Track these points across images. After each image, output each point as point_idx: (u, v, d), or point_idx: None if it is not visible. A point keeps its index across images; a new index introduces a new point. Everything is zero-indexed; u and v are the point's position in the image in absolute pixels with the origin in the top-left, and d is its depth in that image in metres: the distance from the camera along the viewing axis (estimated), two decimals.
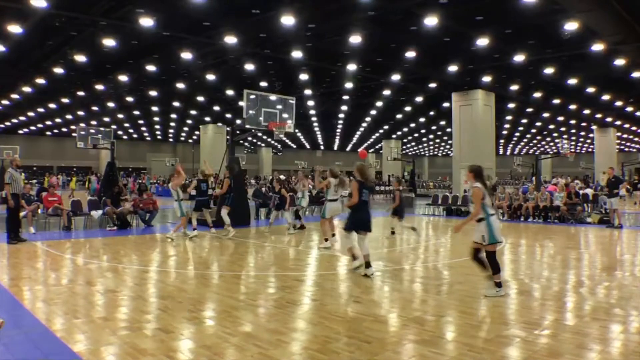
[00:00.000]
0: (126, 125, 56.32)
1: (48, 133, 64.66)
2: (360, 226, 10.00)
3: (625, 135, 59.57)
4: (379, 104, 38.53)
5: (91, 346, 5.81)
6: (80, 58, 23.31)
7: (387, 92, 33.42)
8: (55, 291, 8.54)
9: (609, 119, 45.23)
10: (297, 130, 54.66)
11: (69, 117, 47.24)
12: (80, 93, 34.02)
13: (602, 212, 21.53)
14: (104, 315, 7.08)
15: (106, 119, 48.36)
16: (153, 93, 33.97)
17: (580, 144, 73.82)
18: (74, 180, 45.49)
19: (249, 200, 22.61)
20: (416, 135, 64.65)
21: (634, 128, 51.45)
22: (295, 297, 8.20)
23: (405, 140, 69.78)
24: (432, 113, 43.79)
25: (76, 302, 7.80)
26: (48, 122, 53.20)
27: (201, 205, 16.40)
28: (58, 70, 26.15)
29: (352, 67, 25.80)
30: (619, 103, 36.59)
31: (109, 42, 20.51)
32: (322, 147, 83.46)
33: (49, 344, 5.91)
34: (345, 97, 36.28)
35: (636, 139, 62.41)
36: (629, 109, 39.09)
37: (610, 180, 19.44)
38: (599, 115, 43.05)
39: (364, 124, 52.68)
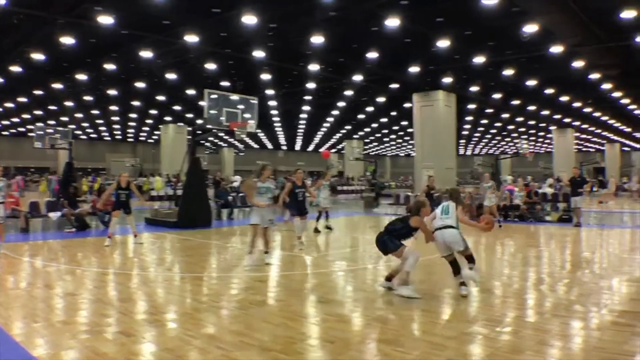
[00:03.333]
0: (85, 124, 55.41)
1: (5, 133, 63.26)
2: None
3: (583, 136, 60.71)
4: (341, 104, 38.62)
5: (51, 350, 5.69)
6: (38, 56, 22.86)
7: (349, 93, 33.51)
8: (13, 295, 8.35)
9: (567, 120, 46.05)
10: (259, 131, 54.40)
11: (26, 116, 46.24)
12: (38, 92, 33.35)
13: (565, 210, 21.96)
14: (63, 319, 6.94)
15: (64, 119, 47.47)
16: (112, 92, 33.45)
17: (539, 144, 74.99)
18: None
19: (211, 201, 22.43)
20: (378, 135, 64.92)
21: (592, 128, 52.47)
22: (258, 298, 8.15)
23: (367, 141, 70.06)
24: (393, 113, 44.03)
25: (35, 306, 7.63)
26: (5, 122, 52.03)
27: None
28: (15, 68, 25.59)
29: (314, 67, 25.79)
30: (577, 104, 37.26)
31: (67, 40, 20.14)
32: (284, 148, 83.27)
33: (7, 349, 5.76)
34: (308, 97, 36.25)
35: (594, 139, 63.67)
36: (587, 109, 39.85)
37: (575, 180, 19.77)
38: (557, 116, 43.82)
39: (326, 124, 52.75)
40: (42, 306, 7.66)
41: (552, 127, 51.00)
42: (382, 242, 8.37)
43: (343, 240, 15.94)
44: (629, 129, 52.36)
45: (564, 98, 34.58)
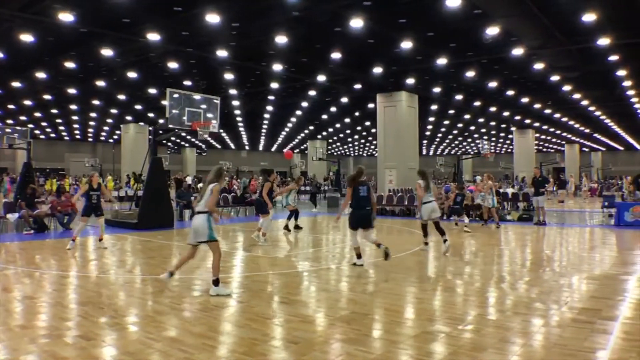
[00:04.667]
0: (44, 124, 54.39)
1: None
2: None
3: (543, 137, 61.74)
4: (305, 104, 38.62)
5: (9, 355, 5.56)
6: None
7: (312, 93, 33.51)
8: None
9: (528, 121, 46.74)
10: (221, 130, 54.12)
11: None
12: None
13: (525, 209, 22.27)
14: (22, 323, 6.80)
15: (23, 118, 46.59)
16: (72, 91, 32.89)
17: (500, 145, 76.08)
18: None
19: (172, 201, 22.22)
20: (341, 135, 65.10)
21: (552, 129, 53.35)
22: (220, 300, 8.08)
23: (330, 141, 70.21)
24: (357, 114, 44.18)
25: None
26: None
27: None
28: None
29: (277, 67, 25.73)
30: (537, 105, 37.85)
31: (25, 38, 19.76)
32: (247, 147, 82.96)
33: None
34: (271, 97, 36.15)
35: (554, 140, 64.78)
36: (547, 111, 40.50)
37: (536, 180, 20.09)
38: (518, 117, 44.47)
39: (290, 124, 52.69)
40: None
41: (513, 128, 51.73)
42: None
43: (306, 240, 15.93)
44: (588, 130, 53.35)
45: (525, 99, 35.12)
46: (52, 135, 65.99)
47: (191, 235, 8.66)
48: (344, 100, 36.04)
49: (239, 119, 48.31)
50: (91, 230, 17.87)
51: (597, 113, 41.34)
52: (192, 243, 8.67)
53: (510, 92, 32.28)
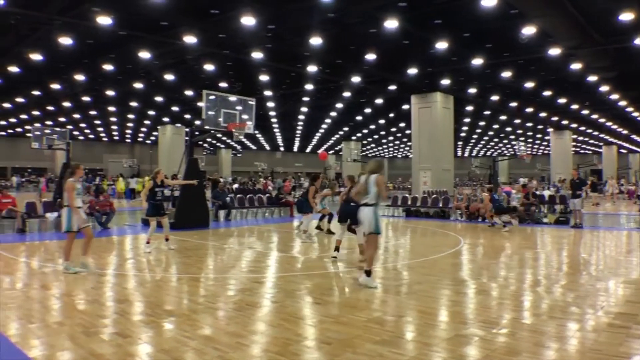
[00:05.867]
0: (82, 125, 55.40)
1: (2, 133, 63.19)
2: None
3: (580, 138, 60.83)
4: (339, 105, 38.66)
5: (47, 351, 5.67)
6: (36, 57, 22.86)
7: (347, 94, 33.55)
8: (9, 295, 8.32)
9: (565, 122, 46.13)
10: (256, 132, 54.48)
11: (23, 116, 46.26)
12: (36, 92, 33.34)
13: (562, 212, 21.96)
14: (59, 320, 6.93)
15: (62, 119, 47.50)
16: (110, 93, 33.48)
17: (536, 146, 75.14)
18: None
19: (208, 201, 22.43)
20: (376, 136, 64.99)
21: (589, 130, 52.55)
22: (255, 300, 8.14)
23: (365, 142, 70.12)
24: (391, 115, 44.10)
25: (31, 307, 7.61)
26: (2, 122, 52.01)
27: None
28: (13, 69, 25.61)
29: (312, 68, 25.81)
30: (575, 106, 37.34)
31: (64, 41, 20.16)
32: (282, 149, 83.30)
33: (3, 349, 5.75)
34: (305, 99, 36.29)
35: (591, 141, 63.76)
36: (585, 112, 39.93)
37: (574, 182, 19.82)
38: (555, 118, 43.90)
39: (324, 126, 52.80)
40: (38, 307, 7.64)
41: (550, 129, 51.08)
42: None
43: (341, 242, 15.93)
44: (626, 132, 52.43)
45: (562, 100, 34.68)
46: (91, 136, 67.15)
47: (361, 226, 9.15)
48: (379, 101, 36.00)
49: (273, 120, 48.56)
50: (128, 229, 18.19)
51: (635, 114, 40.61)
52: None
53: (547, 93, 31.90)
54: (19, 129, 57.41)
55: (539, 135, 60.91)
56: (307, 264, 11.78)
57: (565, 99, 34.54)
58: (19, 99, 36.49)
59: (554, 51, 21.33)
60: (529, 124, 49.94)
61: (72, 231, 10.14)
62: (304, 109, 41.73)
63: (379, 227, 8.84)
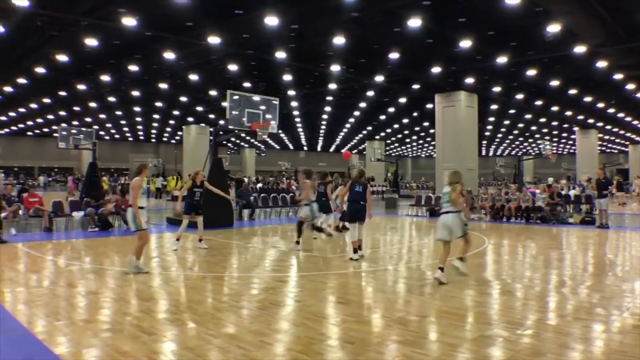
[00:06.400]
0: (108, 125, 55.92)
1: (29, 133, 64.03)
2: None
3: (606, 137, 60.09)
4: (363, 104, 38.60)
5: (73, 348, 5.75)
6: (62, 57, 23.13)
7: (370, 93, 33.47)
8: (36, 293, 8.45)
9: (590, 121, 45.57)
10: (280, 131, 54.57)
11: (50, 117, 46.82)
12: (62, 93, 33.74)
13: (587, 211, 21.73)
14: (85, 318, 7.02)
15: (88, 119, 48.00)
16: (135, 93, 33.77)
17: (562, 145, 74.35)
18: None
19: (232, 201, 22.53)
20: (399, 136, 64.76)
21: (615, 130, 51.90)
22: (278, 298, 8.18)
23: (388, 141, 69.92)
24: (415, 114, 43.93)
25: (58, 304, 7.72)
26: (29, 122, 52.68)
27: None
28: (39, 69, 25.93)
29: (335, 68, 25.80)
30: (600, 105, 36.89)
31: (90, 42, 20.38)
32: (305, 148, 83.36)
33: (30, 346, 5.85)
34: (329, 98, 36.26)
35: (617, 140, 62.94)
36: (611, 110, 39.43)
37: (600, 181, 19.60)
38: (581, 117, 43.39)
39: (348, 125, 52.74)
40: (64, 305, 7.75)
41: (576, 128, 50.50)
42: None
43: (363, 241, 15.91)
44: None
45: (588, 99, 34.25)
46: (116, 136, 67.76)
47: (443, 232, 9.46)
48: (402, 100, 35.86)
49: (297, 119, 48.62)
50: (154, 228, 18.34)
51: None
52: (446, 239, 9.43)
53: (572, 91, 31.52)
54: (45, 129, 58.12)
55: (564, 134, 60.25)
56: (331, 263, 11.79)
57: (590, 98, 34.10)
58: (46, 100, 36.92)
59: (579, 49, 21.08)
60: (555, 123, 49.41)
61: (142, 229, 9.96)
62: (328, 109, 41.71)
63: (466, 229, 9.49)
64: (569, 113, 41.15)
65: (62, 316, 7.06)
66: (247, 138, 60.20)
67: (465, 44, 20.56)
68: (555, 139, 65.39)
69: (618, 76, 26.53)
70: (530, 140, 69.06)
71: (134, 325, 6.64)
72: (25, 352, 5.70)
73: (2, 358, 5.50)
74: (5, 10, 17.20)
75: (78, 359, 5.46)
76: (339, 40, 20.29)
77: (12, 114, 45.58)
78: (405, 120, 48.49)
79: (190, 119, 47.10)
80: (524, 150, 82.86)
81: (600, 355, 5.66)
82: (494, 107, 38.37)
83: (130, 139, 72.24)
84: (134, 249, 10.10)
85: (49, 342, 5.92)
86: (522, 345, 5.89)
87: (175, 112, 43.97)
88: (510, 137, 65.21)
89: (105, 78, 28.32)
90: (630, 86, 29.15)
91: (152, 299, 8.15)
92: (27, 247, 13.68)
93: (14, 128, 58.51)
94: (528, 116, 45.07)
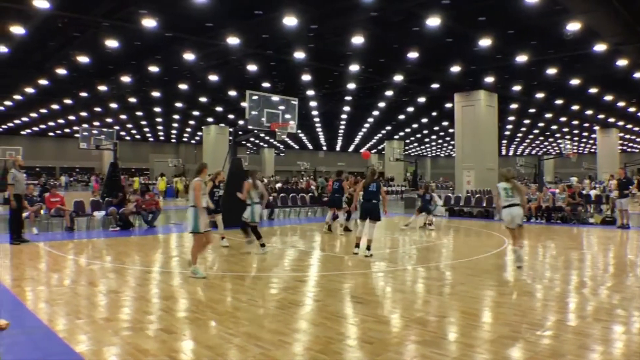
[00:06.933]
0: (129, 126, 56.37)
1: (50, 134, 64.69)
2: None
3: (627, 136, 59.48)
4: (382, 104, 38.56)
5: (93, 347, 5.81)
6: (83, 59, 23.36)
7: (389, 93, 33.42)
8: (57, 292, 8.54)
9: (611, 120, 45.18)
10: (299, 131, 54.63)
11: (71, 117, 47.32)
12: (83, 94, 34.06)
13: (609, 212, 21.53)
14: (106, 316, 7.08)
15: (109, 120, 48.41)
16: (156, 94, 34.03)
17: (582, 145, 73.70)
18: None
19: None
20: (419, 136, 64.58)
21: (636, 129, 51.39)
22: (297, 298, 8.20)
23: (407, 141, 69.76)
24: (434, 114, 43.82)
25: (78, 303, 7.80)
26: (50, 123, 53.23)
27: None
28: (60, 71, 26.22)
29: (354, 67, 25.80)
30: (621, 104, 36.55)
31: (111, 43, 20.57)
32: (324, 148, 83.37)
33: (51, 344, 5.92)
34: (348, 98, 36.29)
35: (639, 139, 62.23)
36: (632, 109, 39.07)
37: (621, 181, 19.41)
38: (601, 116, 43.02)
39: (367, 125, 52.69)
40: (85, 303, 7.82)
41: (596, 127, 50.07)
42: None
43: (383, 241, 15.91)
44: None
45: (608, 97, 33.95)
46: (137, 136, 68.25)
47: (509, 220, 10.73)
48: (421, 100, 35.80)
49: (316, 119, 48.66)
50: (174, 228, 18.49)
51: None
52: (511, 227, 10.79)
53: (592, 90, 31.27)
54: (67, 130, 58.71)
55: (585, 134, 59.74)
56: (349, 263, 11.79)
57: (611, 96, 33.81)
58: (67, 101, 37.31)
59: (600, 47, 20.92)
60: (575, 122, 49.01)
61: (199, 232, 9.74)
62: (347, 108, 41.72)
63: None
64: (589, 112, 40.81)
65: (83, 314, 7.13)
66: (267, 138, 60.34)
67: (485, 42, 20.49)
68: (575, 139, 64.85)
69: (639, 75, 26.26)
70: (551, 139, 68.54)
71: (153, 323, 6.70)
72: (46, 350, 5.76)
73: (23, 356, 5.57)
74: (27, 12, 17.41)
75: (98, 357, 5.51)
76: (357, 39, 20.30)
77: (34, 114, 46.05)
78: (425, 120, 48.38)
79: (210, 119, 47.35)
80: (544, 149, 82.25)
81: (620, 356, 5.61)
82: (514, 106, 38.17)
83: (151, 139, 72.75)
84: (191, 254, 9.94)
85: (69, 340, 5.99)
86: (542, 346, 5.86)
87: (195, 113, 44.24)
88: (531, 136, 64.78)
89: (126, 79, 28.56)
90: None
91: (171, 297, 8.21)
92: (49, 247, 13.83)
93: (35, 129, 59.13)
94: (548, 115, 44.75)
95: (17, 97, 35.72)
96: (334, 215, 17.96)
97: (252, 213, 12.94)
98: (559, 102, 36.33)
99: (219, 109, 40.96)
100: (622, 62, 23.46)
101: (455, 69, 25.58)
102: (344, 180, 18.27)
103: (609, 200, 23.82)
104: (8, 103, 38.96)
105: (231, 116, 44.04)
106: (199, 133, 56.34)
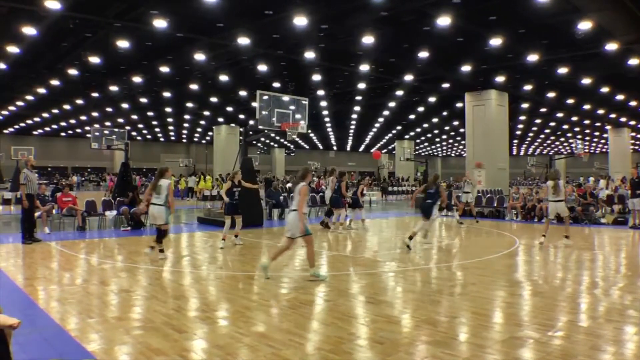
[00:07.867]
0: (140, 126, 56.56)
1: (62, 134, 65.04)
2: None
3: (639, 136, 59.10)
4: (392, 104, 38.52)
5: (105, 345, 5.85)
6: (94, 59, 23.46)
7: (399, 93, 33.38)
8: (69, 291, 8.59)
9: (623, 119, 44.91)
10: (310, 131, 54.64)
11: (83, 118, 47.51)
12: (95, 94, 34.22)
13: (620, 212, 21.39)
14: (117, 315, 7.13)
15: (120, 120, 48.63)
16: (167, 94, 34.14)
17: (594, 144, 73.35)
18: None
19: (262, 200, 22.66)
20: (429, 135, 64.44)
21: None
22: (308, 298, 8.21)
23: (418, 141, 69.62)
24: (445, 113, 43.70)
25: (90, 302, 7.85)
26: (62, 123, 53.51)
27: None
28: (72, 71, 26.36)
29: (364, 67, 25.79)
30: (633, 103, 36.33)
31: (122, 44, 20.66)
32: (334, 148, 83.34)
33: (63, 343, 5.95)
34: (358, 98, 36.25)
35: None
36: None
37: (633, 181, 19.26)
38: (613, 115, 42.77)
39: (377, 125, 52.62)
40: (97, 302, 7.87)
41: (608, 127, 49.78)
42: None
43: (393, 241, 15.89)
44: None
45: (620, 97, 33.75)
46: (148, 136, 68.48)
47: (553, 212, 13.80)
48: (432, 99, 35.73)
49: (326, 119, 48.66)
50: (185, 227, 18.55)
51: None
52: (550, 217, 14.15)
53: (604, 89, 31.10)
54: (78, 130, 59.01)
55: (596, 133, 59.42)
56: (360, 263, 11.79)
57: (623, 95, 33.60)
58: (79, 101, 37.48)
59: (611, 46, 20.80)
60: (586, 122, 48.74)
61: (310, 234, 9.56)
62: (357, 108, 41.68)
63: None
64: (601, 111, 40.60)
65: (95, 313, 7.17)
66: (277, 138, 60.43)
67: (496, 42, 20.43)
68: (587, 138, 64.53)
69: None
70: (562, 139, 68.25)
71: (165, 322, 6.72)
72: (58, 349, 5.80)
73: (35, 354, 5.61)
74: (39, 13, 17.52)
75: (110, 355, 5.54)
76: (368, 39, 20.30)
77: (45, 115, 46.33)
78: (435, 120, 48.28)
79: (221, 119, 47.46)
80: (556, 149, 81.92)
81: (632, 357, 5.58)
82: (525, 105, 38.01)
83: (162, 139, 72.98)
84: (307, 258, 9.79)
85: (81, 339, 6.03)
86: (553, 347, 5.83)
87: (206, 113, 44.33)
88: (542, 136, 64.51)
89: (137, 79, 28.67)
90: None
91: (183, 297, 8.25)
92: (61, 246, 13.92)
93: (47, 129, 59.47)
94: (559, 114, 44.53)
95: (29, 97, 35.93)
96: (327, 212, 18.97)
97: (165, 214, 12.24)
98: (570, 101, 36.17)
99: (229, 109, 41.04)
100: (633, 61, 23.33)
101: (466, 68, 25.51)
102: (343, 182, 18.73)
103: (621, 199, 23.71)
104: (20, 103, 39.22)
105: (242, 116, 44.12)
106: (210, 133, 56.47)
